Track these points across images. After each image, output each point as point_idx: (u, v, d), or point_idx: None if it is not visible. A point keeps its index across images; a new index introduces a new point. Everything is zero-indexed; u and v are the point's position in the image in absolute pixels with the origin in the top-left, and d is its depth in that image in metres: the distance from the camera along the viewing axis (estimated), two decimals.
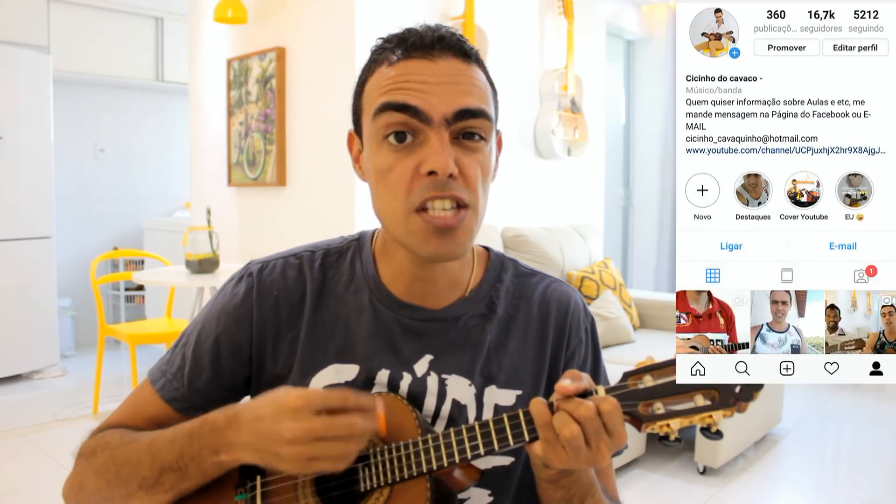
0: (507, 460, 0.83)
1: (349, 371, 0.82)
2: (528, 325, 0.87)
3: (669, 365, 0.66)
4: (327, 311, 0.84)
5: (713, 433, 0.64)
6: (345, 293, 0.85)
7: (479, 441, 0.70)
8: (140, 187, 5.31)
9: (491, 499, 0.82)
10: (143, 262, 4.82)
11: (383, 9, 3.00)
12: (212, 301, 0.89)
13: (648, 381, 0.66)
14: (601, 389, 0.68)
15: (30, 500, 2.56)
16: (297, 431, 0.65)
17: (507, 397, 0.84)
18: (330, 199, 3.04)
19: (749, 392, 0.63)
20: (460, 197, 0.74)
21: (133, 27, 4.85)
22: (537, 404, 0.68)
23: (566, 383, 0.67)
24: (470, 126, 0.75)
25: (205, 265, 3.10)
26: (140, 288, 5.13)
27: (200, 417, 0.75)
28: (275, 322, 0.84)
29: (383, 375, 0.81)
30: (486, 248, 0.92)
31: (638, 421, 0.66)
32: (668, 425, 0.65)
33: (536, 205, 3.77)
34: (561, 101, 3.74)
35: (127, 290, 5.19)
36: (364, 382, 0.81)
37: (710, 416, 0.63)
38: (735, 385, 0.63)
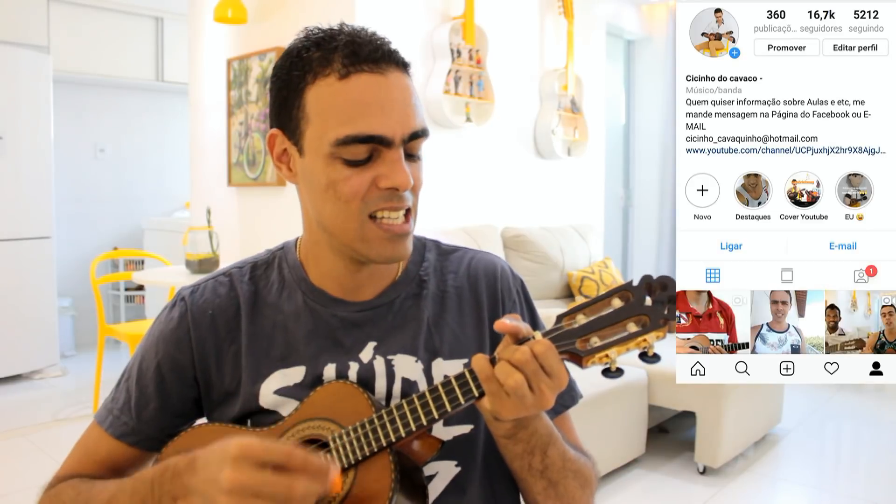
0: (466, 428, 0.84)
1: (296, 374, 0.83)
2: (461, 297, 0.90)
3: (599, 300, 0.69)
4: (264, 320, 0.86)
5: (651, 357, 0.68)
6: (278, 299, 0.87)
7: (432, 406, 0.72)
8: (140, 187, 5.31)
9: (459, 469, 0.83)
10: (143, 262, 4.81)
11: (383, 9, 3.00)
12: (148, 332, 0.89)
13: (581, 319, 0.69)
14: (538, 334, 0.70)
15: (30, 500, 2.56)
16: (234, 483, 0.62)
17: (455, 368, 0.85)
18: None
19: (675, 312, 0.67)
20: (410, 207, 0.81)
21: (133, 27, 4.85)
22: (478, 360, 0.71)
23: (505, 320, 0.70)
24: (416, 147, 0.80)
25: (205, 265, 3.10)
26: (140, 288, 5.13)
27: (162, 464, 0.72)
28: (214, 340, 0.85)
29: (330, 370, 0.83)
30: None
31: (578, 357, 0.69)
32: (606, 356, 0.68)
33: (536, 205, 3.77)
34: (561, 101, 3.74)
35: (127, 290, 5.19)
36: (312, 381, 0.82)
37: (645, 340, 0.67)
38: (663, 307, 0.66)
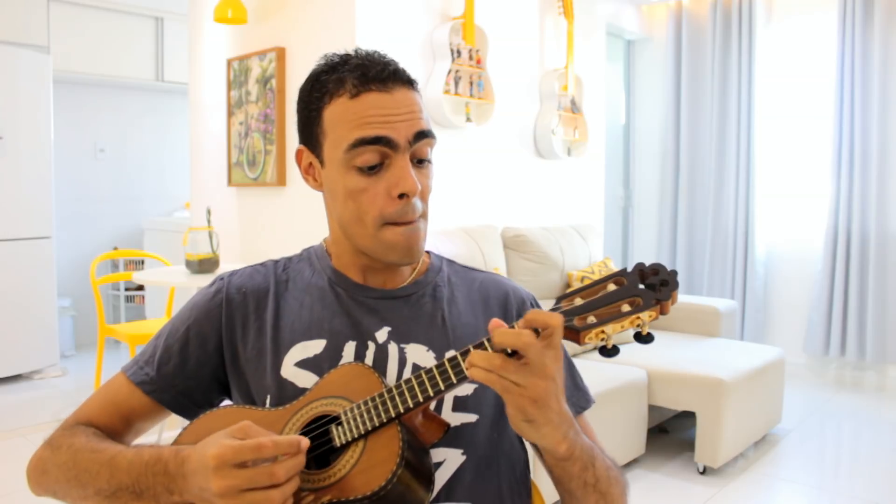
0: (472, 417, 0.88)
1: (316, 345, 0.90)
2: (474, 306, 0.98)
3: (595, 285, 0.75)
4: (293, 299, 0.95)
5: (644, 336, 0.73)
6: (308, 283, 0.97)
7: (438, 377, 0.76)
8: (140, 187, 5.31)
9: (464, 458, 0.87)
10: (143, 263, 4.82)
11: (383, 9, 3.00)
12: (186, 303, 1.00)
13: (579, 301, 0.75)
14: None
15: (30, 500, 2.56)
16: (222, 488, 0.70)
17: None
18: None
19: (667, 293, 0.72)
20: (421, 214, 0.89)
21: (133, 27, 4.85)
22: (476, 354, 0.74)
23: (494, 319, 0.75)
24: (423, 151, 0.88)
25: (205, 265, 3.09)
26: (140, 288, 5.13)
27: (156, 451, 0.79)
28: (243, 312, 0.95)
29: (350, 347, 0.90)
30: (428, 252, 1.03)
31: (576, 333, 0.73)
32: (603, 331, 0.73)
33: (536, 205, 3.77)
34: (561, 101, 3.75)
35: (127, 290, 5.19)
36: (332, 355, 0.89)
37: (639, 318, 0.72)
38: (655, 290, 0.72)
